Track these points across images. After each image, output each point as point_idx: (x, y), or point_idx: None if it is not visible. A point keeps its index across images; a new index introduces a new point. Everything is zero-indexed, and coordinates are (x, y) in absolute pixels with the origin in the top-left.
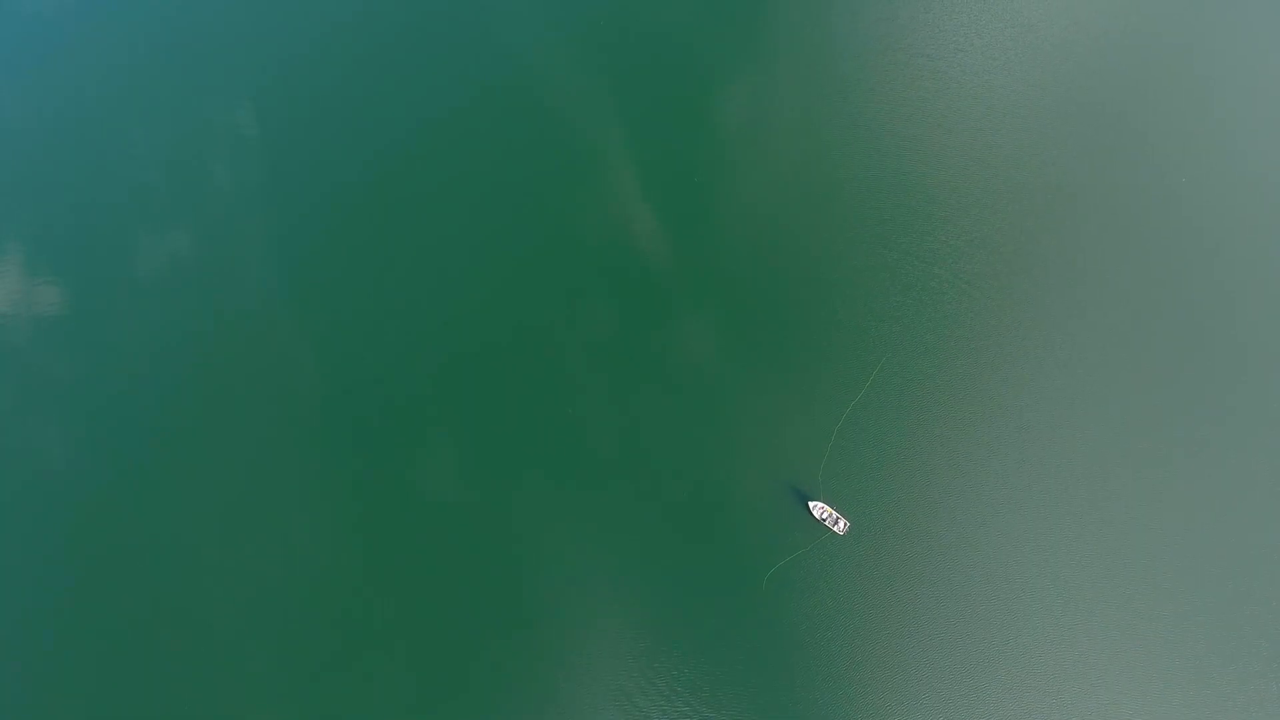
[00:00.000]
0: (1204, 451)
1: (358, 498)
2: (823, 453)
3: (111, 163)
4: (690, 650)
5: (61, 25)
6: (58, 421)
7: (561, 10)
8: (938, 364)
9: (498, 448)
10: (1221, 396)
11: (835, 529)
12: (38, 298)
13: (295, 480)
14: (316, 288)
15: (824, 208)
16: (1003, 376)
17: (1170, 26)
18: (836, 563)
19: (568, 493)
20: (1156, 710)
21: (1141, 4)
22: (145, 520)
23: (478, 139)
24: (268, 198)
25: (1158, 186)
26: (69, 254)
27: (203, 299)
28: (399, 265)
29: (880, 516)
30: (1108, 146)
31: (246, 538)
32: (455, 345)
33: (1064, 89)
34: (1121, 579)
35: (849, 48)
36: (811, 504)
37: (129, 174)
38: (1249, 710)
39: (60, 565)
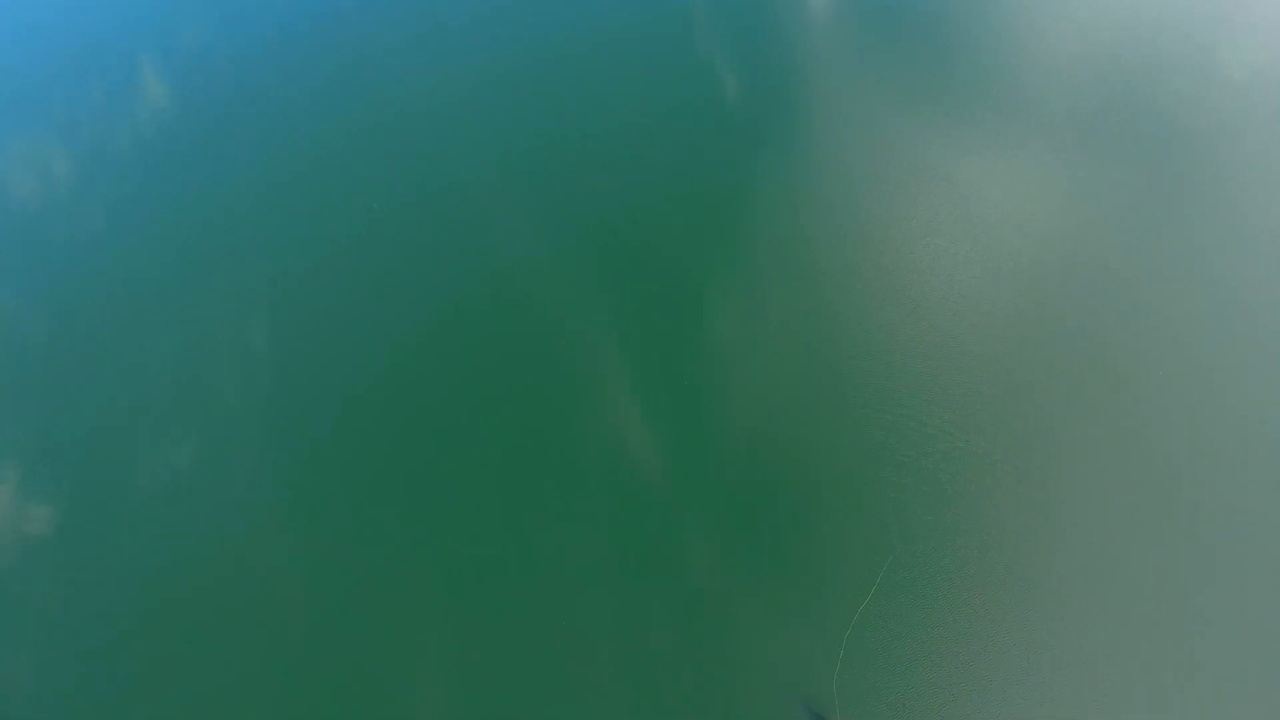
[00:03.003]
0: (1225, 630)
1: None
2: (835, 662)
3: (114, 375)
4: None
5: (70, 235)
6: (46, 640)
7: (555, 223)
8: (943, 550)
9: (492, 662)
10: (1238, 576)
11: None
12: (29, 513)
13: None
14: (315, 504)
15: (810, 399)
16: (1010, 556)
17: (1118, 217)
18: None
19: (566, 713)
20: None
21: (1087, 205)
22: None
23: (474, 350)
24: (269, 412)
25: (1134, 368)
26: (66, 468)
27: (201, 517)
28: (398, 482)
29: None
30: (1070, 334)
31: None
32: (452, 554)
33: (1018, 281)
34: None
35: (822, 243)
36: None
37: (130, 386)
38: None
39: None
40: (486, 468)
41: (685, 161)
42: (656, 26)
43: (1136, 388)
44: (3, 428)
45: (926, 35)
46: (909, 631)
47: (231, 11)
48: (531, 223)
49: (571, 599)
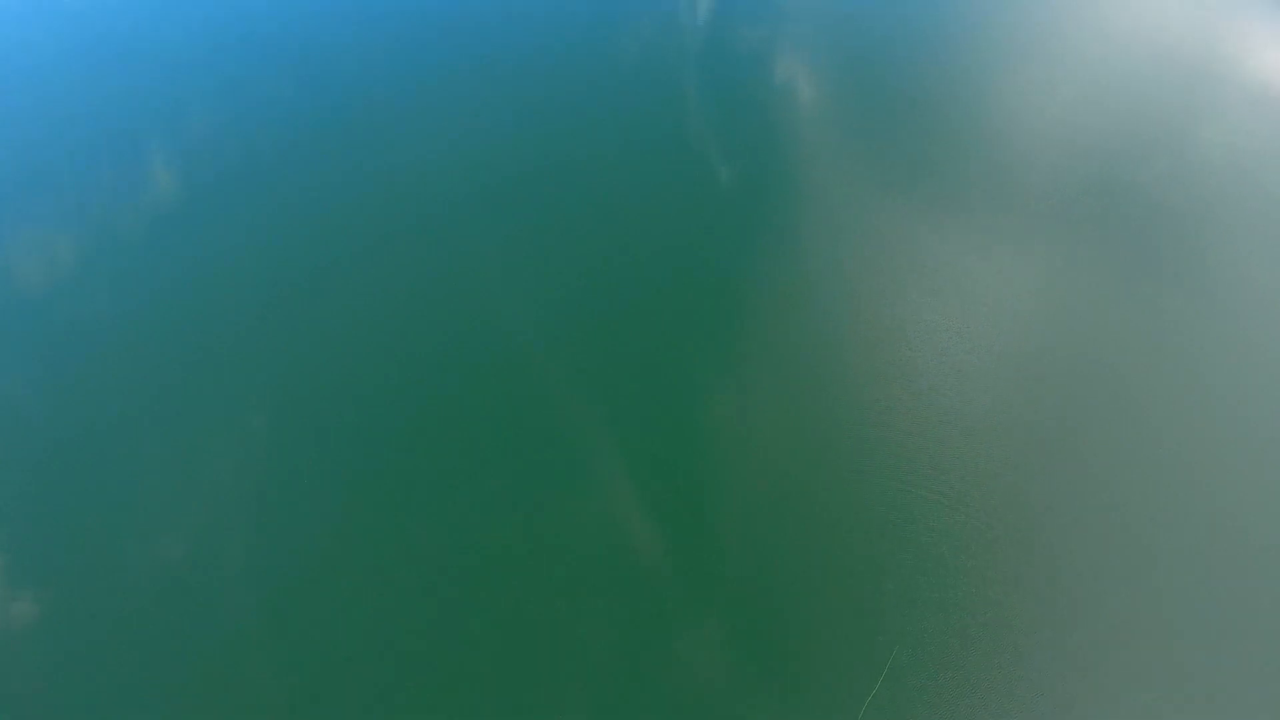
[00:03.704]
0: (1242, 693)
1: None
2: None
3: (110, 469)
4: None
5: (72, 320)
6: None
7: (556, 316)
8: (948, 629)
9: None
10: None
11: None
12: (17, 606)
13: None
14: (309, 598)
15: (809, 476)
16: (1016, 633)
17: (1103, 293)
18: None
19: None
20: None
21: (1073, 281)
22: None
23: (468, 443)
24: (264, 513)
25: (1130, 437)
26: (51, 567)
27: (193, 618)
28: (393, 584)
29: None
30: (1064, 406)
31: None
32: (448, 666)
33: (1011, 355)
34: None
35: (815, 323)
36: None
37: (127, 482)
38: None
39: None
40: (481, 560)
41: (680, 250)
42: (652, 127)
43: (1133, 455)
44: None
45: (910, 125)
46: (919, 717)
47: (242, 99)
48: (533, 316)
49: (569, 685)
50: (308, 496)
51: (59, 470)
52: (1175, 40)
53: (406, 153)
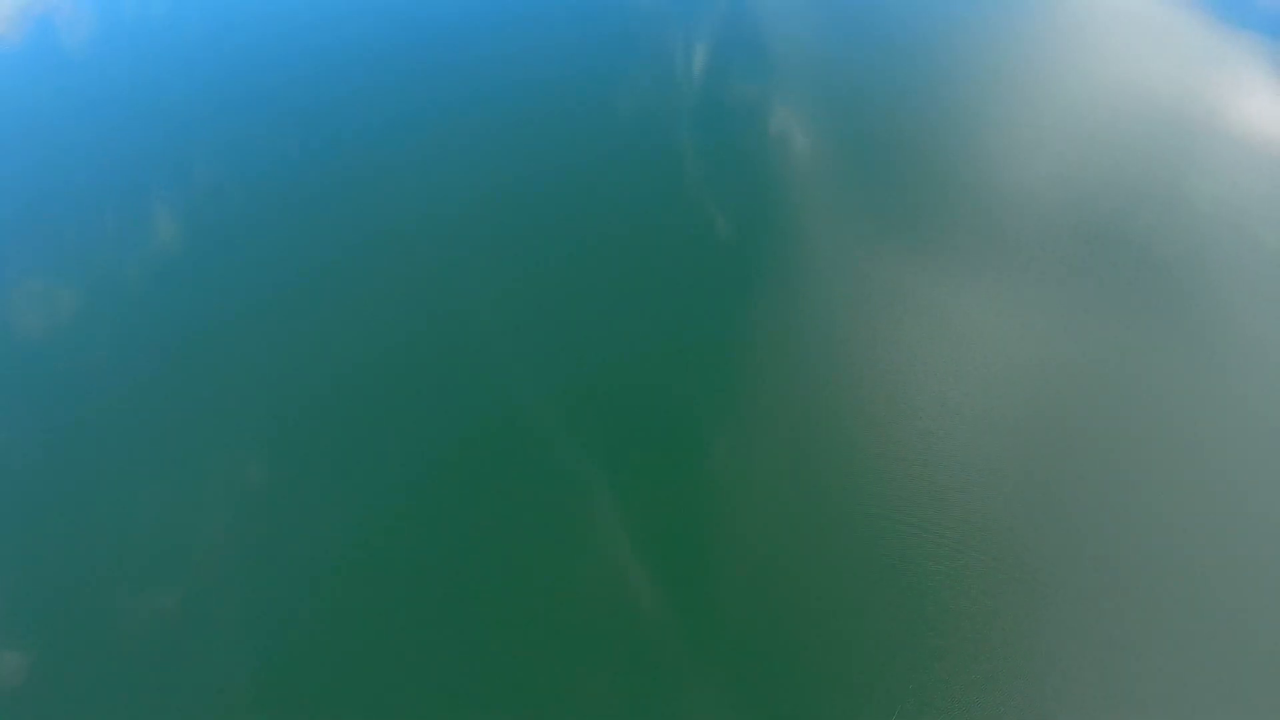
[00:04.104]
0: None
1: None
2: None
3: (98, 517)
4: None
5: (59, 367)
6: None
7: (553, 364)
8: (953, 679)
9: None
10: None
11: None
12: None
13: None
14: (299, 660)
15: (818, 542)
16: (1022, 681)
17: (1099, 339)
18: None
19: None
20: None
21: (1068, 327)
22: None
23: (467, 493)
24: (258, 563)
25: (1131, 479)
26: (40, 617)
27: (183, 669)
28: (385, 634)
29: None
30: (1064, 448)
31: None
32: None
33: (1009, 396)
34: None
35: (814, 368)
36: None
37: (115, 530)
38: None
39: None
40: (480, 612)
41: (679, 299)
42: (647, 174)
43: (1132, 500)
44: None
45: (907, 177)
46: None
47: (241, 141)
48: (530, 366)
49: None
50: (303, 555)
51: (46, 518)
52: (1164, 93)
53: (412, 188)
